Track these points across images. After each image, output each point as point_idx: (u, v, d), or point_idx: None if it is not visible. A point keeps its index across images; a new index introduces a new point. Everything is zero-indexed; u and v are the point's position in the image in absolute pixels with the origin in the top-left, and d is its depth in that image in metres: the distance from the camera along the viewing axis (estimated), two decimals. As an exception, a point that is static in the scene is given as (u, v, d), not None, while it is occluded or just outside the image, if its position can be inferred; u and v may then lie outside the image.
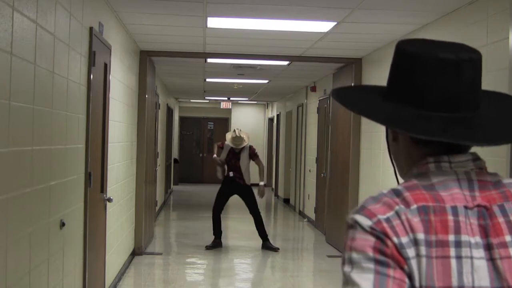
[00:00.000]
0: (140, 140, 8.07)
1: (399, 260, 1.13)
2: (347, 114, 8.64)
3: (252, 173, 9.28)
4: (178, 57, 8.57)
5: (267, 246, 8.98)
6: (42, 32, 3.42)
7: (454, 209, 1.17)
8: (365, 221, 1.17)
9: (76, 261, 4.47)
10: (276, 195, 16.84)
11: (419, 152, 1.28)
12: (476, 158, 1.26)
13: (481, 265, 1.14)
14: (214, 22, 6.30)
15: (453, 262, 1.13)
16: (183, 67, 10.38)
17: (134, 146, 7.87)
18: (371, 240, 1.15)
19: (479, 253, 1.15)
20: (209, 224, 11.44)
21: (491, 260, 1.15)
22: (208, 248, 8.87)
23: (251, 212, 9.01)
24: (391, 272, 1.12)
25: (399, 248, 1.13)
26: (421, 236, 1.14)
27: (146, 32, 6.97)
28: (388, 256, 1.13)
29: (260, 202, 9.17)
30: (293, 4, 5.38)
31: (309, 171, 12.08)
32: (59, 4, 3.79)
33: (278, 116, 17.30)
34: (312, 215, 11.61)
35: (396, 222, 1.15)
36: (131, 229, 7.74)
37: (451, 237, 1.14)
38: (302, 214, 12.72)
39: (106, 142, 5.44)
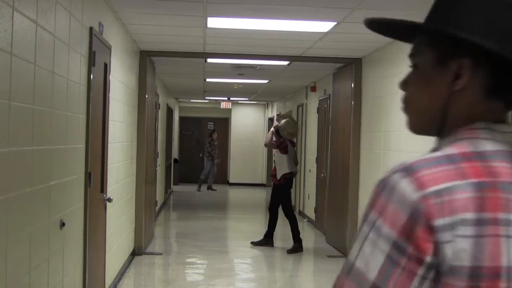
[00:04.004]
0: (140, 140, 8.07)
1: (423, 249, 1.04)
2: (347, 114, 8.64)
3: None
4: (178, 57, 8.57)
5: (264, 242, 9.04)
6: (42, 32, 3.42)
7: (505, 186, 1.08)
8: (410, 192, 1.05)
9: (76, 261, 4.47)
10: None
11: (487, 106, 1.13)
12: None
13: None
14: (214, 22, 6.30)
15: (503, 241, 1.06)
16: (183, 67, 10.38)
17: (134, 146, 7.87)
18: (404, 218, 1.04)
19: None
20: (208, 225, 11.45)
21: None
22: (289, 252, 8.76)
23: (268, 208, 9.14)
24: (403, 261, 1.04)
25: (435, 232, 1.03)
26: (469, 215, 1.04)
27: (146, 32, 6.97)
28: (413, 242, 1.04)
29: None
30: (293, 4, 5.38)
31: (309, 171, 12.08)
32: (59, 4, 3.79)
33: (279, 114, 17.30)
34: (312, 215, 11.61)
35: (445, 199, 1.04)
36: (131, 229, 7.74)
37: (502, 215, 1.06)
38: (302, 214, 12.72)
39: (106, 142, 5.44)
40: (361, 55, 8.16)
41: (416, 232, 1.04)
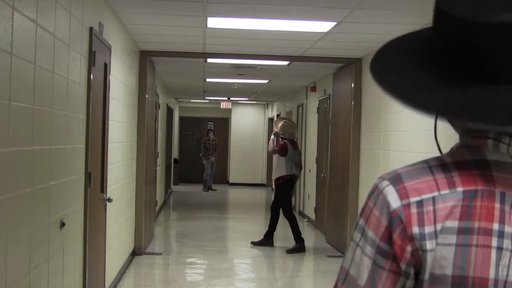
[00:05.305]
0: (140, 140, 8.07)
1: (401, 254, 1.05)
2: (347, 114, 8.64)
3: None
4: (178, 57, 8.57)
5: (264, 242, 9.04)
6: (42, 32, 3.42)
7: (503, 196, 1.05)
8: (393, 200, 1.07)
9: (76, 261, 4.47)
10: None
11: None
12: None
13: None
14: (214, 22, 6.30)
15: (493, 252, 1.03)
16: (183, 67, 10.38)
17: (134, 146, 7.87)
18: (384, 224, 1.06)
19: None
20: (208, 225, 11.45)
21: None
22: (289, 252, 8.77)
23: (270, 208, 9.18)
24: (387, 265, 1.06)
25: (415, 239, 1.04)
26: (454, 223, 1.03)
27: (146, 32, 6.97)
28: (393, 245, 1.06)
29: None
30: (293, 4, 5.38)
31: (309, 171, 12.09)
32: (59, 4, 3.79)
33: (278, 116, 17.30)
34: (312, 215, 11.61)
35: (427, 209, 1.05)
36: (131, 229, 7.74)
37: (495, 226, 1.03)
38: (302, 214, 12.73)
39: (106, 142, 5.44)
40: (361, 55, 8.16)
41: (394, 238, 1.06)
